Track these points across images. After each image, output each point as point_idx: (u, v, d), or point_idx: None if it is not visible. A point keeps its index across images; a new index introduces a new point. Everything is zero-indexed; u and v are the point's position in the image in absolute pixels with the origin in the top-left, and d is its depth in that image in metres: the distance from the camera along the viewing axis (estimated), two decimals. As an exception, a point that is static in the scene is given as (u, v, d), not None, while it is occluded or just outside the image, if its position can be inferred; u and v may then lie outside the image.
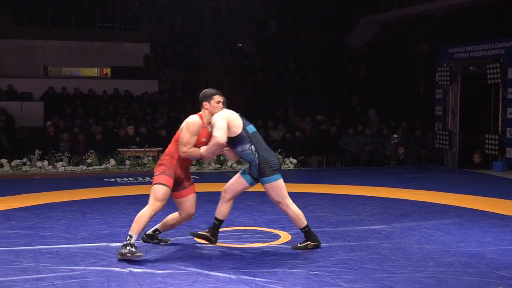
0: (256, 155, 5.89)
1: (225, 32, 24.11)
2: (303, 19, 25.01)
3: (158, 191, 5.73)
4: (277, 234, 6.80)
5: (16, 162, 13.20)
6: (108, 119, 17.01)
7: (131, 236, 5.63)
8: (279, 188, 5.97)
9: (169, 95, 20.03)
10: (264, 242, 6.40)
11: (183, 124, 5.85)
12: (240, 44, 23.66)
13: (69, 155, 13.69)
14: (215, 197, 8.80)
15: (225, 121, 5.76)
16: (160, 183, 5.75)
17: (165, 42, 23.10)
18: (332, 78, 21.56)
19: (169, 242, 6.34)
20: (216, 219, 6.19)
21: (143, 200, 9.14)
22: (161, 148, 14.25)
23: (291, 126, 17.05)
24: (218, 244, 6.24)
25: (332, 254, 5.87)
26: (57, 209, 8.41)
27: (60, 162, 13.39)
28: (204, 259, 5.69)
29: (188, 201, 6.00)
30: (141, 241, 6.23)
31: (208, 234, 6.22)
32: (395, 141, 15.73)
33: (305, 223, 6.04)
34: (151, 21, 23.98)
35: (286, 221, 7.43)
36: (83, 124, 16.67)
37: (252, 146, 5.88)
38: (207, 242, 6.24)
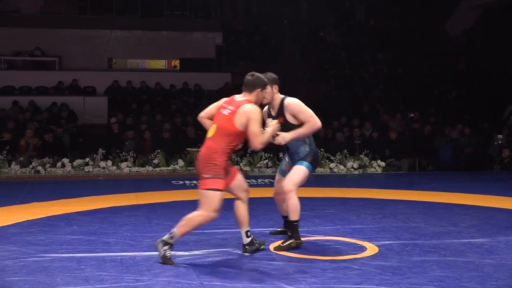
0: (307, 145, 6.55)
1: (305, 19, 24.07)
2: (393, 4, 24.68)
3: (215, 200, 5.86)
4: (363, 245, 6.73)
5: (78, 162, 13.58)
6: (177, 115, 17.26)
7: (175, 234, 5.91)
8: (305, 176, 6.49)
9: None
10: (348, 254, 6.35)
11: (242, 115, 5.95)
12: (323, 33, 23.58)
13: (135, 154, 13.98)
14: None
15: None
16: (215, 189, 5.87)
17: (239, 30, 23.26)
18: (425, 70, 21.20)
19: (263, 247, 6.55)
20: (284, 216, 6.95)
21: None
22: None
23: (379, 124, 16.87)
24: (297, 255, 6.25)
25: (426, 270, 5.77)
26: (121, 214, 8.60)
27: (125, 163, 13.70)
28: (281, 272, 5.69)
29: (238, 180, 6.25)
30: (246, 255, 6.27)
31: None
32: (499, 142, 15.32)
33: (298, 218, 6.45)
34: (224, 8, 24.19)
35: (372, 232, 7.36)
36: (149, 120, 16.98)
37: (307, 138, 6.52)
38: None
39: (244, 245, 6.32)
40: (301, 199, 6.46)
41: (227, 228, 7.41)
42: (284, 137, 6.31)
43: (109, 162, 13.66)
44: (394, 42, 22.70)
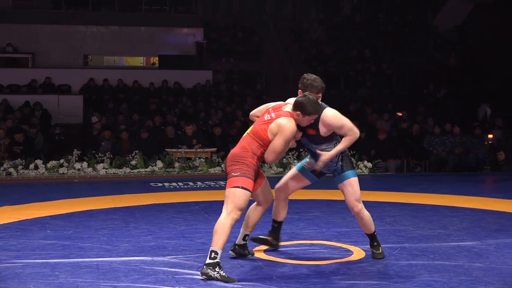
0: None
1: (289, 15, 24.09)
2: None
3: (242, 198, 5.71)
4: (349, 249, 6.76)
5: (52, 163, 13.53)
6: (155, 115, 17.23)
7: (216, 253, 5.55)
8: (357, 185, 6.27)
9: (225, 87, 20.16)
10: (333, 258, 6.38)
11: (275, 126, 5.83)
12: (307, 30, 23.61)
13: (111, 155, 13.94)
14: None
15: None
16: (243, 187, 5.72)
17: (221, 27, 23.25)
18: (415, 67, 21.30)
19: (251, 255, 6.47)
20: (274, 221, 6.54)
21: (193, 208, 9.30)
22: (215, 149, 14.37)
23: (366, 124, 16.93)
24: (280, 260, 6.27)
25: (414, 275, 5.80)
26: (97, 217, 8.58)
27: (101, 164, 13.66)
28: (263, 278, 5.71)
29: (265, 187, 6.18)
30: (231, 253, 6.32)
31: (269, 238, 6.56)
32: (489, 142, 15.43)
33: (374, 229, 6.41)
34: (205, 3, 24.17)
35: (359, 235, 7.37)
36: (127, 120, 16.94)
37: (337, 142, 6.19)
38: (267, 247, 6.59)
39: (235, 244, 6.34)
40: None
41: (207, 232, 7.41)
42: (325, 160, 6.09)
43: (85, 164, 13.61)
44: (381, 38, 22.78)
